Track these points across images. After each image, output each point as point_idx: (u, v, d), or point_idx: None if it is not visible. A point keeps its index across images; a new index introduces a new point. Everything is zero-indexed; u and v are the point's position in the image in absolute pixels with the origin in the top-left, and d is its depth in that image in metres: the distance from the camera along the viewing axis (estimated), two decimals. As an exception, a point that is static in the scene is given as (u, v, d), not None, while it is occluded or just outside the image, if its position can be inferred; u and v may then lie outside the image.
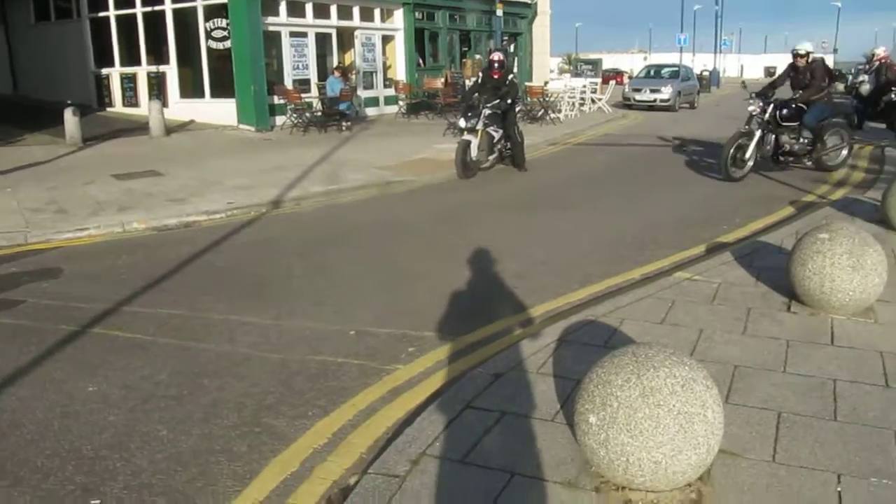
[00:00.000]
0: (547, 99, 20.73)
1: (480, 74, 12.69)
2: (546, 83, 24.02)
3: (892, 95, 16.38)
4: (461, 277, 6.48)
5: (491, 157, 12.01)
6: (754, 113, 10.91)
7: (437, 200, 10.36)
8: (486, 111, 11.62)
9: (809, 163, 11.37)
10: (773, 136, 11.13)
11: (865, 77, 17.75)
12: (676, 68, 30.41)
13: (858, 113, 17.49)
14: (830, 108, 11.44)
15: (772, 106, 10.97)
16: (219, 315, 5.60)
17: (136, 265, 7.11)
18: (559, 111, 21.15)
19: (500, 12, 22.46)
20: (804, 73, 11.13)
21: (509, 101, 11.96)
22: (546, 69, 31.63)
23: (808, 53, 11.07)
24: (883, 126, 16.89)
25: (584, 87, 24.26)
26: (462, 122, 11.80)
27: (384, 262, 7.12)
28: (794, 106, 11.07)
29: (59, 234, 8.33)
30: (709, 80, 43.58)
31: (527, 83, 23.75)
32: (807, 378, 4.01)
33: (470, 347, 4.88)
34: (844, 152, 11.48)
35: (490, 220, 8.94)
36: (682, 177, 11.85)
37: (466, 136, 11.62)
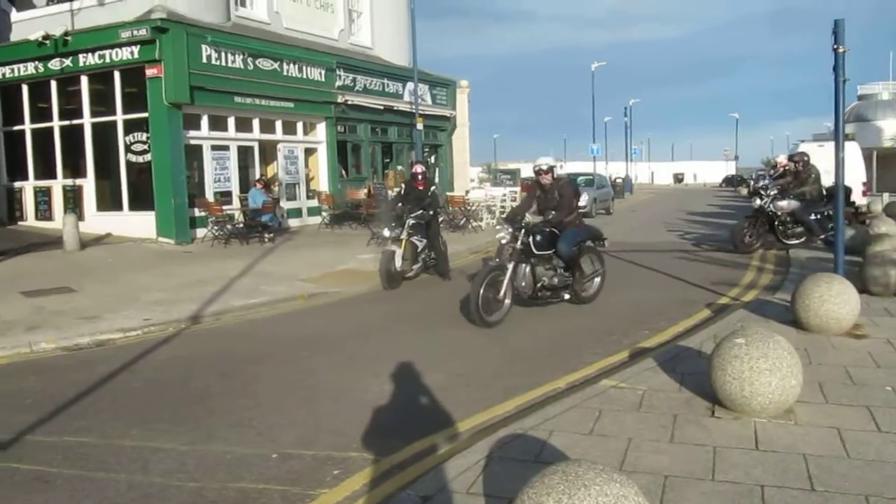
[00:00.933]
0: (468, 208, 21.19)
1: (404, 185, 12.91)
2: (467, 192, 24.62)
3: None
4: (386, 392, 6.35)
5: (415, 267, 12.08)
6: (504, 241, 9.15)
7: (361, 312, 10.28)
8: (411, 221, 11.77)
9: (567, 296, 9.74)
10: (529, 267, 9.25)
11: (767, 182, 18.86)
12: (591, 176, 31.70)
13: None
14: (584, 231, 9.99)
15: (523, 232, 9.11)
16: (131, 441, 5.29)
17: (42, 389, 6.73)
18: (480, 219, 21.60)
19: (420, 126, 23.14)
20: (551, 192, 9.69)
21: (432, 211, 12.17)
22: (466, 179, 32.50)
23: (550, 169, 9.68)
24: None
25: (504, 195, 24.93)
26: (386, 232, 11.90)
27: (307, 378, 6.93)
28: (547, 230, 9.38)
29: (-40, 357, 7.88)
30: (622, 187, 45.62)
31: (448, 193, 24.27)
32: (735, 485, 4.01)
33: (397, 467, 4.72)
34: (598, 280, 10.16)
35: (414, 332, 8.88)
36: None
37: (391, 247, 11.70)
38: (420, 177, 12.46)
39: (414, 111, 23.68)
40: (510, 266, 8.96)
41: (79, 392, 6.54)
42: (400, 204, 12.15)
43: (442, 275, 12.40)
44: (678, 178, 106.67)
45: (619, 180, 46.34)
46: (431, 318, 9.68)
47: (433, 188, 12.52)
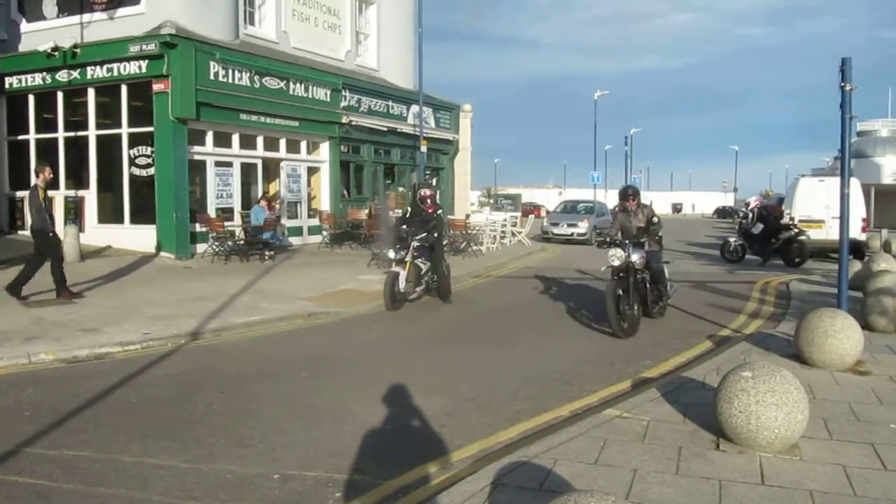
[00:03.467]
0: (469, 232, 21.21)
1: (409, 208, 12.95)
2: (468, 216, 24.64)
3: (793, 232, 18.73)
4: (389, 415, 6.31)
5: (418, 289, 12.08)
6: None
7: (363, 333, 10.24)
8: (415, 243, 11.78)
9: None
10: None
11: (749, 216, 20.31)
12: (592, 204, 31.80)
13: (755, 250, 19.66)
14: None
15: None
16: (131, 457, 5.24)
17: (41, 401, 6.67)
18: (481, 244, 21.61)
19: (424, 149, 23.22)
20: None
21: (437, 234, 12.18)
22: (467, 202, 32.50)
23: None
24: (780, 262, 19.36)
25: (505, 220, 24.97)
26: (391, 254, 11.90)
27: (309, 398, 6.88)
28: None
29: (-42, 366, 7.82)
30: (621, 216, 45.64)
31: (449, 216, 24.28)
32: (742, 521, 3.98)
33: (400, 491, 4.68)
34: None
35: (417, 354, 8.86)
36: (603, 311, 12.08)
37: (395, 268, 11.71)
38: (429, 200, 12.51)
39: (417, 134, 23.77)
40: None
41: (78, 405, 6.49)
42: (405, 226, 12.16)
43: (443, 298, 12.39)
44: (676, 208, 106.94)
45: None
46: (434, 341, 9.66)
47: (439, 211, 12.57)
